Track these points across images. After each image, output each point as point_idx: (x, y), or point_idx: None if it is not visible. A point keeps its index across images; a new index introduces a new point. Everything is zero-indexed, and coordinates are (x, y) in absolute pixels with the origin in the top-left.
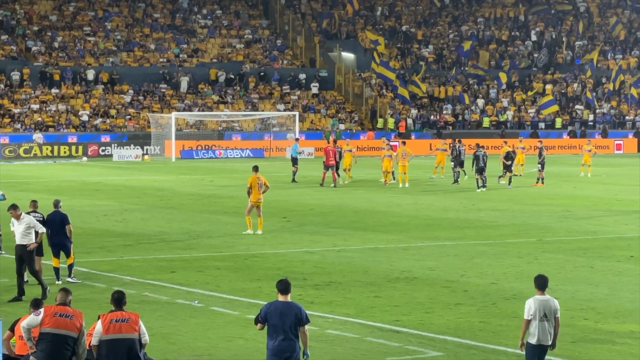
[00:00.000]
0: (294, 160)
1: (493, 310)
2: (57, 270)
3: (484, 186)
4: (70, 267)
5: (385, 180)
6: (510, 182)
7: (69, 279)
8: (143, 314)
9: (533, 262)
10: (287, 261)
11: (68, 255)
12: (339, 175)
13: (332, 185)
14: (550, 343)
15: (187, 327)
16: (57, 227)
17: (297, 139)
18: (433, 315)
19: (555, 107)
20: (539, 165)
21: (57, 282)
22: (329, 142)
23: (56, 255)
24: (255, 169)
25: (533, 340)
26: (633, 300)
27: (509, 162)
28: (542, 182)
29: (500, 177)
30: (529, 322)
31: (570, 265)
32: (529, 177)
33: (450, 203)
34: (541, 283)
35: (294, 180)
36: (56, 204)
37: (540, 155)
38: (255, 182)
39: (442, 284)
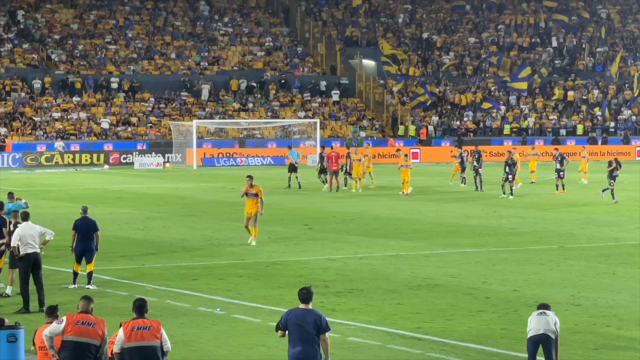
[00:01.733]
0: (292, 167)
1: (515, 318)
2: (76, 274)
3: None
4: (90, 274)
5: (404, 191)
6: (510, 191)
7: (89, 286)
8: (165, 321)
9: (555, 269)
10: (308, 268)
11: (90, 261)
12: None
13: (329, 190)
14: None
15: (208, 334)
16: (84, 233)
17: (289, 146)
18: (455, 323)
19: (524, 84)
20: (560, 173)
21: (71, 286)
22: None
23: (78, 260)
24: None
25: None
26: None
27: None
28: (563, 189)
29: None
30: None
31: (593, 272)
32: (543, 183)
33: (472, 210)
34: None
35: (289, 186)
36: (84, 210)
37: (562, 162)
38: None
39: (464, 291)
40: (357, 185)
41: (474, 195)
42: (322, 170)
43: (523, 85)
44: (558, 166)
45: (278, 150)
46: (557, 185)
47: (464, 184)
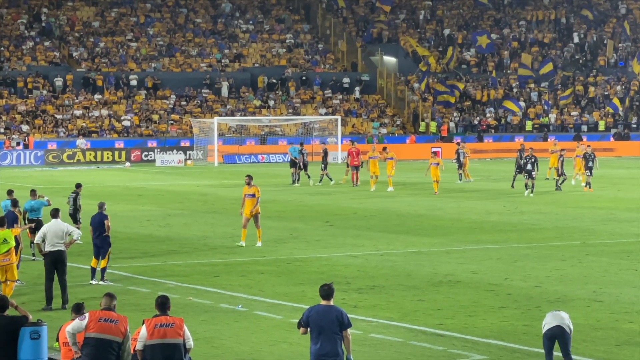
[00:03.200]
0: (293, 163)
1: (537, 314)
2: (93, 270)
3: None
4: (103, 270)
5: (436, 191)
6: (532, 189)
7: (102, 282)
8: (187, 318)
9: (576, 265)
10: (330, 265)
11: (103, 257)
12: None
13: (354, 184)
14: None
15: (230, 331)
16: (97, 228)
17: (291, 143)
18: (476, 319)
19: (569, 100)
20: (591, 170)
21: (91, 282)
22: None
23: (96, 255)
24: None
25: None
26: None
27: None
28: (590, 187)
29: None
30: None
31: (615, 268)
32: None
33: (493, 206)
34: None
35: (294, 182)
36: (100, 206)
37: (589, 159)
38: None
39: (485, 287)
40: (373, 182)
41: (494, 191)
42: (305, 166)
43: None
44: (590, 164)
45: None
46: (589, 184)
47: (461, 180)
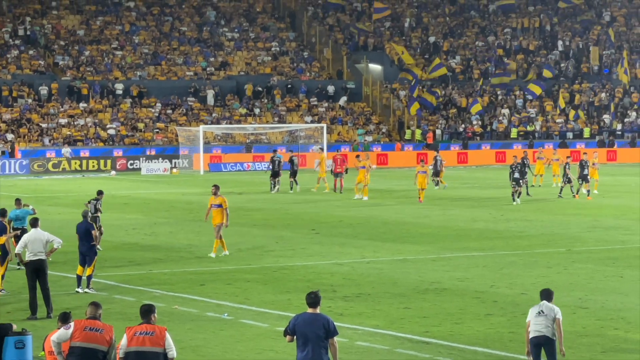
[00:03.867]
0: (275, 172)
1: (523, 321)
2: (79, 277)
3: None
4: (89, 278)
5: (420, 198)
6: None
7: (88, 290)
8: (172, 327)
9: (562, 272)
10: (316, 273)
11: (89, 265)
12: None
13: (337, 191)
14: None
15: (216, 339)
16: (82, 236)
17: (274, 150)
18: (463, 326)
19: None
20: (587, 178)
21: (77, 290)
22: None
23: (82, 263)
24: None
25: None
26: None
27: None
28: (589, 195)
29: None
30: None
31: (600, 275)
32: (549, 186)
33: (479, 214)
34: (546, 295)
35: (273, 189)
36: (84, 214)
37: (584, 167)
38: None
39: (471, 294)
40: (358, 190)
41: (481, 199)
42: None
43: (537, 89)
44: (586, 172)
45: (285, 155)
46: (588, 191)
47: (439, 185)
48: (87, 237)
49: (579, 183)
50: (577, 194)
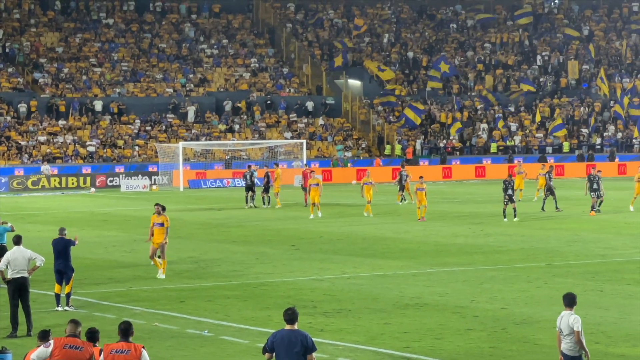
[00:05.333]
0: (249, 187)
1: (503, 336)
2: (57, 296)
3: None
4: (68, 295)
5: (422, 217)
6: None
7: (67, 308)
8: (153, 344)
9: (542, 287)
10: (296, 289)
11: (67, 282)
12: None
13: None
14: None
15: (197, 356)
16: (60, 253)
17: (249, 166)
18: (443, 341)
19: (564, 131)
20: (593, 193)
21: (56, 309)
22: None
23: (59, 281)
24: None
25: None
26: None
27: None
28: (593, 210)
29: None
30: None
31: (580, 289)
32: (529, 200)
33: (458, 229)
34: (565, 300)
35: (248, 203)
36: (61, 231)
37: (593, 181)
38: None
39: (452, 309)
40: (314, 209)
41: (460, 214)
42: (266, 189)
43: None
44: (595, 186)
45: (261, 171)
46: (592, 206)
47: (405, 200)
48: (64, 254)
49: (592, 197)
50: (593, 210)
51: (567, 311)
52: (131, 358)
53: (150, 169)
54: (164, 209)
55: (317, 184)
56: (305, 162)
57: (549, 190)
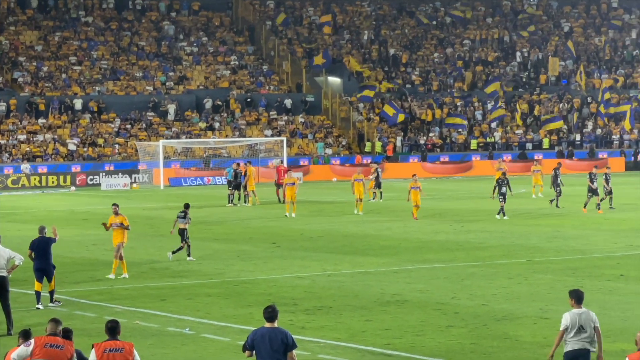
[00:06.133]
0: (230, 183)
1: (484, 332)
2: (38, 294)
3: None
4: (52, 293)
5: (415, 216)
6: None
7: (50, 304)
8: (134, 342)
9: (523, 283)
10: (277, 287)
11: (50, 280)
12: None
13: (281, 202)
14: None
15: (178, 354)
16: (41, 252)
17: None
18: (424, 338)
19: (560, 123)
20: (590, 192)
21: (37, 306)
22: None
23: (39, 279)
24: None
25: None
26: (624, 319)
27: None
28: (599, 208)
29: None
30: (562, 332)
31: (560, 285)
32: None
33: (439, 226)
34: (577, 297)
35: (230, 202)
36: (41, 230)
37: (594, 180)
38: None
39: (432, 306)
40: (290, 208)
41: (441, 210)
42: (237, 186)
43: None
44: (595, 185)
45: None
46: (598, 205)
47: (374, 199)
48: (44, 254)
49: (588, 197)
50: (599, 208)
51: (577, 309)
52: (125, 356)
53: (130, 167)
54: (118, 207)
55: (293, 184)
56: (280, 159)
57: (557, 187)
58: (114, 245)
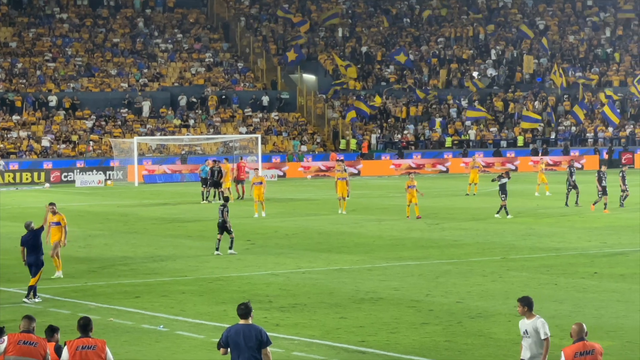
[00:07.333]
0: (204, 181)
1: (458, 329)
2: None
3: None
4: (33, 288)
5: (412, 214)
6: (503, 211)
7: (25, 300)
8: (108, 339)
9: (497, 281)
10: (251, 284)
11: (34, 275)
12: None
13: (239, 198)
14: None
15: (152, 352)
16: (32, 246)
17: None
18: (399, 336)
19: (536, 125)
20: (602, 190)
21: (35, 300)
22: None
23: (33, 274)
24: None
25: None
26: (597, 317)
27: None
28: (606, 208)
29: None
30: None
31: (535, 283)
32: (484, 195)
33: (414, 223)
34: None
35: (205, 199)
36: (27, 225)
37: (602, 179)
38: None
39: (407, 303)
40: (258, 208)
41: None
42: (213, 184)
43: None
44: (604, 183)
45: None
46: (605, 204)
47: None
48: (35, 248)
49: (599, 196)
50: (595, 204)
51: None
52: (98, 353)
53: (104, 164)
54: (55, 205)
55: (261, 182)
56: (240, 155)
57: (572, 185)
58: (51, 244)
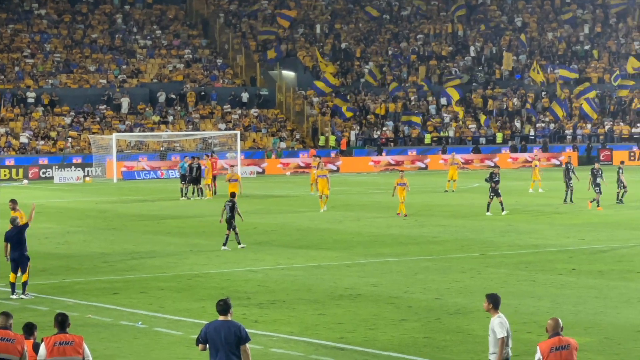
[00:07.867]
0: (183, 177)
1: (437, 326)
2: (13, 285)
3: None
4: (25, 284)
5: (401, 212)
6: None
7: (23, 296)
8: (86, 336)
9: (476, 277)
10: (230, 280)
11: (24, 271)
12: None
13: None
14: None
15: (131, 348)
16: (15, 242)
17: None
18: (377, 332)
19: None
20: (597, 187)
21: (12, 296)
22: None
23: (14, 270)
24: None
25: None
26: (575, 313)
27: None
28: (598, 205)
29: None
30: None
31: (513, 279)
32: (464, 191)
33: (393, 220)
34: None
35: (184, 196)
36: (12, 220)
37: (597, 175)
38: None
39: (386, 300)
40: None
41: (395, 205)
42: (192, 180)
43: (455, 94)
44: (599, 180)
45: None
46: (598, 202)
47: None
48: (19, 243)
49: (595, 191)
50: (592, 202)
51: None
52: (75, 348)
53: (83, 161)
54: (16, 203)
55: (237, 180)
56: (212, 151)
57: (569, 181)
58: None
